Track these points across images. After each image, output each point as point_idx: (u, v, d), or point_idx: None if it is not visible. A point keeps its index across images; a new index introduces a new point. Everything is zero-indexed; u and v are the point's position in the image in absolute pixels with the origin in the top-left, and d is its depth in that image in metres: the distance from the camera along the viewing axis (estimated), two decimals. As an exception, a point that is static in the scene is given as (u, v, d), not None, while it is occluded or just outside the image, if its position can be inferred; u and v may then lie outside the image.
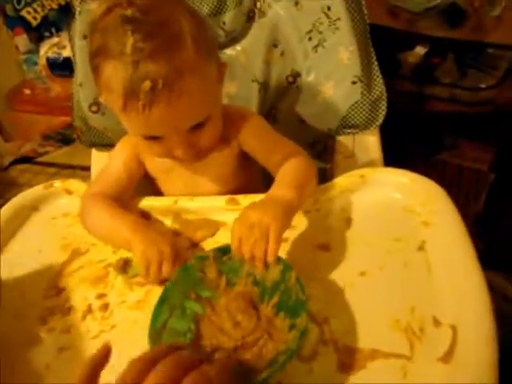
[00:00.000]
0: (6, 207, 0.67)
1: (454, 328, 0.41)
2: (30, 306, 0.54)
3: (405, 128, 0.98)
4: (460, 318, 0.42)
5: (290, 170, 0.56)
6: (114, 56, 0.46)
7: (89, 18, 0.72)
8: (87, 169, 0.87)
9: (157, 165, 0.64)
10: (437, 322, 0.43)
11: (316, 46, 0.69)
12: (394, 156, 0.77)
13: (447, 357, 0.39)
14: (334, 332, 0.44)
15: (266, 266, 0.45)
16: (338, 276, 0.49)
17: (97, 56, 0.48)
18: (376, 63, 0.68)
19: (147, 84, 0.45)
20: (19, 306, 0.54)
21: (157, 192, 0.68)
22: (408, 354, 0.41)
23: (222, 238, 0.57)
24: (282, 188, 0.53)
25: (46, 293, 0.55)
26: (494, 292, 0.45)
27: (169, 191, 0.66)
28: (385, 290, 0.47)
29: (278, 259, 0.46)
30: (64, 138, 1.81)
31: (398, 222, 0.54)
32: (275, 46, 0.73)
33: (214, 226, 0.59)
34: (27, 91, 1.53)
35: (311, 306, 0.46)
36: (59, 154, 1.84)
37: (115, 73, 0.46)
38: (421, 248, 0.51)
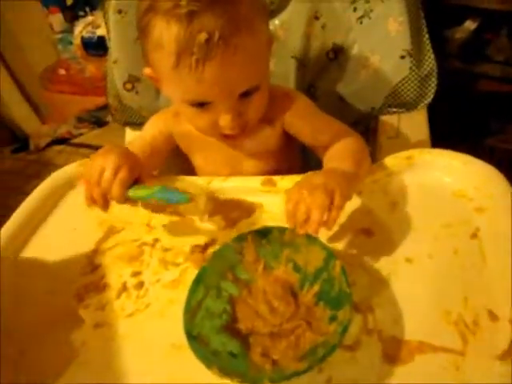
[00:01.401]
0: (42, 185, 0.68)
1: (513, 323, 0.38)
2: (67, 283, 0.54)
3: (450, 109, 0.91)
4: (520, 313, 0.39)
5: (344, 147, 0.54)
6: (167, 10, 0.44)
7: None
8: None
9: (195, 141, 0.62)
10: (493, 316, 0.40)
11: (361, 17, 0.65)
12: (439, 139, 0.72)
13: (507, 355, 0.36)
14: (379, 321, 0.42)
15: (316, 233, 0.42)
16: (382, 262, 0.47)
17: (147, 14, 0.46)
18: (427, 36, 0.63)
19: (203, 36, 0.42)
20: (55, 282, 0.54)
21: (189, 170, 0.67)
22: (460, 349, 0.38)
23: (257, 220, 0.55)
24: (340, 162, 0.50)
25: (82, 270, 0.55)
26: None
27: (204, 169, 0.64)
28: (434, 278, 0.44)
29: (321, 245, 0.44)
30: (97, 120, 1.84)
31: (447, 207, 0.51)
32: (316, 18, 0.69)
33: (249, 208, 0.57)
34: (62, 71, 1.54)
35: (354, 293, 0.43)
36: (92, 136, 1.88)
37: (168, 28, 0.44)
38: (474, 235, 0.47)
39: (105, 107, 2.07)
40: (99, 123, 1.86)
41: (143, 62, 0.72)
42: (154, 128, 0.62)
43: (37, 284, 0.54)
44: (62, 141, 1.89)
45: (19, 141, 1.91)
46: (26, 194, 0.65)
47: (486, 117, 1.00)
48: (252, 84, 0.49)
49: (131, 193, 0.49)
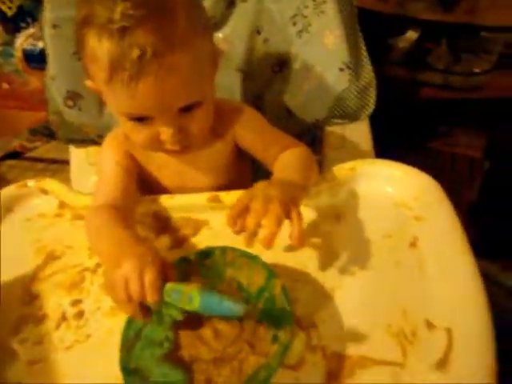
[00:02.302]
0: (-23, 209, 0.64)
1: (448, 331, 0.39)
2: (3, 314, 0.50)
3: (396, 116, 0.94)
4: (455, 321, 0.40)
5: (292, 158, 0.55)
6: (100, 24, 0.42)
7: (58, 6, 0.68)
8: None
9: (149, 159, 0.60)
10: (430, 326, 0.41)
11: (300, 32, 0.65)
12: (385, 145, 0.74)
13: (442, 363, 0.37)
14: (322, 338, 0.42)
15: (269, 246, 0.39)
16: (327, 276, 0.47)
17: (82, 27, 0.45)
18: (364, 48, 0.64)
19: (135, 52, 0.41)
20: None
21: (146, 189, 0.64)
22: (400, 361, 0.39)
23: (204, 238, 0.54)
24: (289, 174, 0.50)
25: (20, 300, 0.52)
26: (489, 281, 0.43)
27: (159, 186, 0.62)
28: (376, 291, 0.45)
29: (262, 264, 0.43)
30: (51, 133, 1.76)
31: (389, 218, 0.52)
32: (258, 32, 0.69)
33: (195, 225, 0.56)
34: (5, 85, 1.47)
35: (297, 310, 0.43)
36: (47, 149, 1.80)
37: (101, 42, 0.43)
38: (413, 244, 0.48)
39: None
40: (53, 136, 1.78)
41: (82, 78, 0.70)
42: (114, 153, 0.58)
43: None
44: (15, 155, 1.80)
45: (-31, 157, 1.80)
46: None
47: (430, 122, 1.04)
48: (192, 100, 0.48)
49: (167, 298, 0.39)
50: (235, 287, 0.45)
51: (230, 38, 0.70)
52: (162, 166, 0.61)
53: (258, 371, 0.37)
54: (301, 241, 0.41)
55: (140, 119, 0.49)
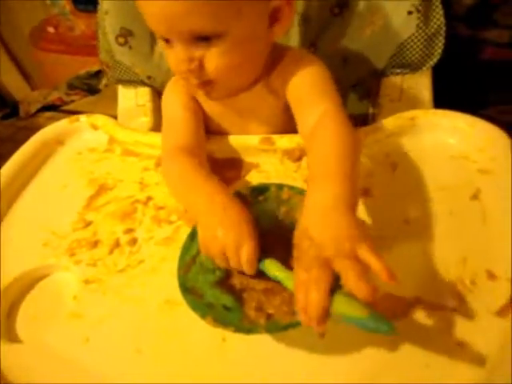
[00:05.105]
0: (31, 140, 0.66)
1: (512, 282, 0.38)
2: (59, 238, 0.52)
3: (454, 76, 0.89)
4: (519, 273, 0.38)
5: (332, 152, 0.42)
6: None
7: None
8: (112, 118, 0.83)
9: (208, 105, 0.58)
10: (492, 275, 0.39)
11: None
12: (439, 106, 0.70)
13: (505, 311, 0.36)
14: (375, 279, 0.41)
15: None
16: (380, 223, 0.46)
17: None
18: (437, -11, 0.59)
19: None
20: (46, 237, 0.53)
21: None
22: (457, 306, 0.38)
23: (253, 180, 0.54)
24: (333, 183, 0.39)
25: (74, 226, 0.54)
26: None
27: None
28: (432, 239, 0.44)
29: None
30: (90, 88, 1.79)
31: (449, 169, 0.50)
32: None
33: (245, 167, 0.56)
34: (51, 29, 1.47)
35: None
36: (84, 103, 1.84)
37: None
38: (475, 197, 0.46)
39: (96, 74, 2.01)
40: (91, 91, 1.81)
41: (134, 14, 0.69)
42: (179, 96, 0.57)
43: (29, 236, 0.53)
44: (52, 107, 1.84)
45: (8, 107, 1.86)
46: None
47: (490, 85, 0.97)
48: (207, 27, 0.43)
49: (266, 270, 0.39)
50: (289, 225, 0.45)
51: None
52: (221, 113, 0.59)
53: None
54: (393, 276, 0.32)
55: (167, 41, 0.46)
